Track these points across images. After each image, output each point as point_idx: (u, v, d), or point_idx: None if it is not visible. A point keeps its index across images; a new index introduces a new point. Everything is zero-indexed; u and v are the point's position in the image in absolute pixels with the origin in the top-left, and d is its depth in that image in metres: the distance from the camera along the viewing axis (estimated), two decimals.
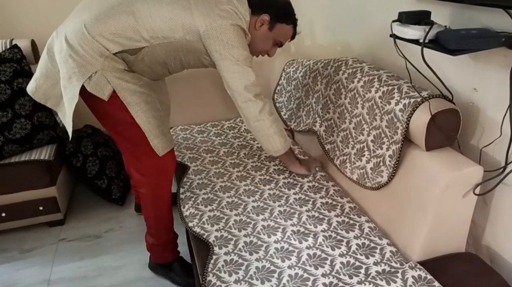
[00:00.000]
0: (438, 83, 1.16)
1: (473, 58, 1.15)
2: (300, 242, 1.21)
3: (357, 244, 1.19)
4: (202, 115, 2.15)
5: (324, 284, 1.06)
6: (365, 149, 1.36)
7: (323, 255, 1.16)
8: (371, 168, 1.32)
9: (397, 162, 1.22)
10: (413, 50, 1.24)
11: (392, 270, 1.09)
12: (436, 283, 1.02)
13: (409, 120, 1.17)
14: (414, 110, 1.16)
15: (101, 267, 1.77)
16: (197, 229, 1.30)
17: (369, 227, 1.26)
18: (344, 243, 1.20)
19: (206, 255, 1.20)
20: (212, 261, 1.16)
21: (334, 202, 1.40)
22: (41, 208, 1.93)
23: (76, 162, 2.09)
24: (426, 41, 1.05)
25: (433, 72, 1.10)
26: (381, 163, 1.28)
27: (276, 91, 2.08)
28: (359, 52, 1.75)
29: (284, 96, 2.02)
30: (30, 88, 1.42)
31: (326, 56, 2.01)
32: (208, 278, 1.10)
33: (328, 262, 1.13)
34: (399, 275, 1.06)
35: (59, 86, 1.36)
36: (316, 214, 1.33)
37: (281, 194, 1.46)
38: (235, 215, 1.35)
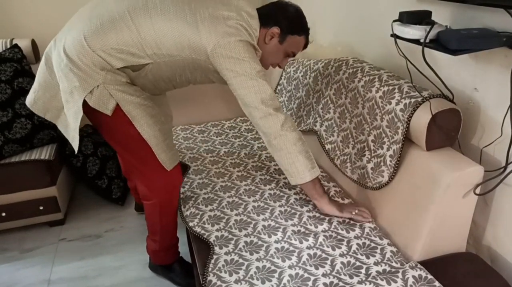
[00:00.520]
0: (438, 83, 1.16)
1: (473, 58, 1.15)
2: (301, 242, 1.21)
3: (357, 244, 1.19)
4: (202, 115, 2.15)
5: (324, 284, 1.06)
6: (366, 149, 1.36)
7: (324, 255, 1.15)
8: (371, 168, 1.32)
9: (397, 162, 1.22)
10: (414, 50, 1.24)
11: (393, 270, 1.09)
12: (437, 283, 1.01)
13: (409, 120, 1.17)
14: (414, 110, 1.16)
15: (101, 267, 1.77)
16: (198, 229, 1.30)
17: (370, 227, 1.26)
18: (344, 243, 1.20)
19: (207, 255, 1.20)
20: (212, 261, 1.15)
21: None
22: (41, 207, 1.93)
23: (76, 162, 2.09)
24: (427, 41, 1.05)
25: (433, 72, 1.10)
26: (382, 163, 1.28)
27: (277, 91, 2.08)
28: (360, 52, 1.75)
29: (284, 96, 2.02)
30: (29, 100, 1.39)
31: (327, 56, 2.01)
32: (209, 278, 1.10)
33: (328, 262, 1.13)
34: (400, 275, 1.06)
35: (58, 97, 1.32)
36: (317, 214, 1.33)
37: (281, 194, 1.46)
38: (236, 215, 1.35)
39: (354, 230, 1.25)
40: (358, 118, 1.42)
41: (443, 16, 1.20)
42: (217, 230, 1.29)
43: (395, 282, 1.04)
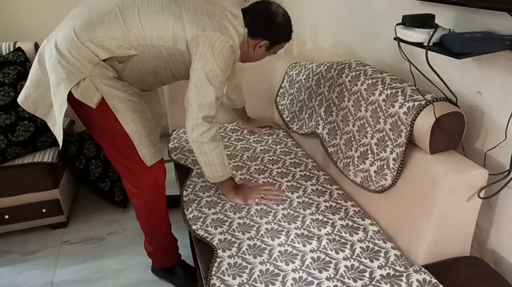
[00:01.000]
0: (442, 86, 1.16)
1: (477, 62, 1.15)
2: (304, 245, 1.20)
3: (361, 247, 1.19)
4: None
5: None
6: (369, 152, 1.36)
7: (327, 259, 1.15)
8: (374, 171, 1.32)
9: (401, 165, 1.22)
10: (417, 53, 1.25)
11: (397, 273, 1.08)
12: None
13: (413, 123, 1.17)
14: (418, 113, 1.16)
15: (103, 269, 1.77)
16: (201, 232, 1.30)
17: (373, 230, 1.26)
18: (348, 246, 1.19)
19: (210, 258, 1.20)
20: (216, 264, 1.15)
21: (338, 205, 1.39)
22: (44, 210, 1.94)
23: (79, 164, 2.09)
24: (431, 44, 1.06)
25: (437, 75, 1.10)
26: (385, 166, 1.27)
27: (279, 93, 2.08)
28: (362, 55, 1.75)
29: (286, 99, 2.02)
30: (20, 97, 1.40)
31: (329, 59, 2.01)
32: (212, 281, 1.09)
33: (332, 265, 1.13)
34: (404, 278, 1.06)
35: (49, 94, 1.33)
36: (320, 217, 1.33)
37: (284, 197, 1.45)
38: (239, 218, 1.35)
39: (357, 233, 1.25)
40: (361, 121, 1.42)
41: (446, 20, 1.20)
42: (220, 233, 1.28)
43: (399, 285, 1.04)
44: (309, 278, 1.09)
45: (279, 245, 1.21)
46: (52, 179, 1.90)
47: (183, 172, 1.71)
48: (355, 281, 1.07)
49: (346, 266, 1.12)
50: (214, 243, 1.24)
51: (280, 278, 1.09)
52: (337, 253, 1.17)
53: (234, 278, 1.10)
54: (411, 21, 1.10)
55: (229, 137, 1.98)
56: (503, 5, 0.96)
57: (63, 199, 1.99)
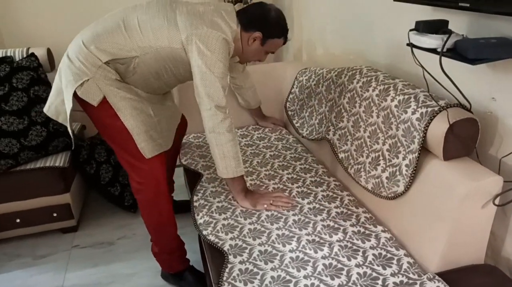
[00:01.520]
0: (455, 92, 1.15)
1: (491, 67, 1.14)
2: (316, 252, 1.20)
3: (373, 254, 1.18)
4: None
5: None
6: (381, 158, 1.35)
7: (339, 265, 1.14)
8: (386, 177, 1.31)
9: (414, 171, 1.21)
10: (430, 59, 1.24)
11: (410, 281, 1.07)
12: None
13: (426, 129, 1.16)
14: (431, 119, 1.15)
15: (114, 274, 1.78)
16: (212, 238, 1.29)
17: (386, 237, 1.25)
18: (360, 253, 1.18)
19: (221, 263, 1.20)
20: (227, 270, 1.15)
21: (349, 212, 1.38)
22: (55, 214, 1.95)
23: (90, 169, 2.11)
24: (444, 50, 1.05)
25: (451, 81, 1.09)
26: (397, 173, 1.26)
27: (289, 99, 2.08)
28: (373, 60, 1.75)
29: (296, 105, 2.02)
30: (45, 107, 1.51)
31: (339, 64, 2.01)
32: None
33: (344, 272, 1.12)
34: (417, 286, 1.04)
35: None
36: (331, 224, 1.32)
37: (295, 203, 1.45)
38: (249, 223, 1.35)
39: (369, 240, 1.24)
40: (373, 127, 1.41)
41: (459, 25, 1.19)
42: (231, 238, 1.28)
43: None
44: (321, 285, 1.08)
45: (291, 251, 1.21)
46: (64, 183, 1.92)
47: (194, 178, 1.71)
48: None
49: (358, 273, 1.11)
50: (225, 249, 1.24)
51: (291, 285, 1.09)
52: (349, 260, 1.16)
53: (245, 284, 1.10)
54: (424, 27, 1.10)
55: (239, 142, 1.98)
56: None
57: (74, 204, 2.00)
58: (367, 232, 1.28)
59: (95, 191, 2.28)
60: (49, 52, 2.23)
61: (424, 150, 1.21)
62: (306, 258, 1.18)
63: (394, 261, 1.15)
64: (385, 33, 1.63)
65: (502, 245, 1.19)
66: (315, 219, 1.35)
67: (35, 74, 1.96)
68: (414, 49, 1.14)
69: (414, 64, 1.18)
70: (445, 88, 1.15)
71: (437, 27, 1.09)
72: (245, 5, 1.65)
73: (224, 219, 1.38)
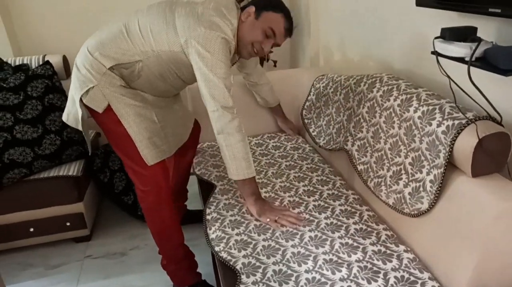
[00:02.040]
0: (485, 103, 1.07)
1: None
2: (333, 273, 1.13)
3: (395, 277, 1.10)
4: None
5: None
6: (403, 172, 1.28)
7: None
8: (409, 193, 1.23)
9: (439, 188, 1.13)
10: (456, 67, 1.16)
11: None
12: None
13: (453, 144, 1.08)
14: (458, 133, 1.07)
15: (126, 286, 1.74)
16: (224, 255, 1.24)
17: (408, 258, 1.17)
18: (381, 276, 1.11)
19: (233, 282, 1.14)
20: None
21: (368, 229, 1.31)
22: (68, 223, 1.93)
23: (104, 177, 2.09)
24: (473, 59, 0.98)
25: (480, 92, 1.01)
26: (421, 188, 1.19)
27: (305, 107, 2.02)
28: (394, 67, 1.67)
29: (313, 113, 1.95)
30: (64, 115, 1.52)
31: (358, 71, 1.94)
32: None
33: None
34: None
35: None
36: (350, 242, 1.25)
37: (311, 218, 1.38)
38: (263, 240, 1.29)
39: (391, 261, 1.16)
40: (394, 138, 1.34)
41: (488, 32, 1.11)
42: (244, 256, 1.23)
43: None
44: None
45: (306, 271, 1.14)
46: (77, 192, 1.90)
47: (207, 188, 1.66)
48: None
49: None
50: (238, 267, 1.18)
51: None
52: (369, 282, 1.09)
53: None
54: (451, 34, 1.03)
55: (253, 151, 1.93)
56: None
57: (87, 213, 1.98)
58: (388, 251, 1.20)
59: (108, 199, 2.26)
60: (64, 59, 2.23)
61: (450, 165, 1.14)
62: (323, 279, 1.11)
63: (418, 285, 1.07)
64: (407, 39, 1.56)
65: None
66: (333, 236, 1.29)
67: (50, 82, 1.95)
68: (440, 58, 1.06)
69: (439, 72, 1.11)
70: (473, 100, 1.07)
71: (465, 34, 1.02)
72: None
73: (237, 234, 1.33)
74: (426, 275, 1.10)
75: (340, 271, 1.13)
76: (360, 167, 1.50)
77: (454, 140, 1.08)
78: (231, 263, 1.21)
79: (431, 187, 1.15)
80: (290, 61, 2.92)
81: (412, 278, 1.09)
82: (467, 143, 1.04)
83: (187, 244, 1.64)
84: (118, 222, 2.17)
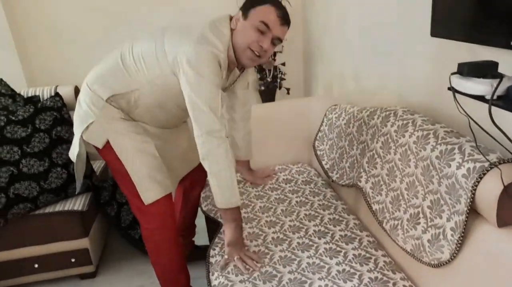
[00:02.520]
0: (509, 144, 0.97)
1: None
2: None
3: None
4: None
5: None
6: (421, 215, 1.17)
7: None
8: (428, 240, 1.12)
9: (461, 237, 1.02)
10: (475, 104, 1.06)
11: None
12: None
13: (475, 189, 0.97)
14: (480, 177, 0.97)
15: None
16: None
17: None
18: None
19: None
20: None
21: (384, 278, 1.20)
22: (73, 260, 1.88)
23: (111, 210, 2.04)
24: (494, 97, 0.88)
25: (503, 133, 0.92)
26: (441, 236, 1.08)
27: (317, 137, 1.94)
28: (410, 99, 1.58)
29: (326, 144, 1.87)
30: (71, 150, 1.50)
31: (372, 101, 1.85)
32: None
33: None
34: None
35: None
36: None
37: (322, 263, 1.28)
38: None
39: None
40: (410, 178, 1.24)
41: (510, 67, 1.01)
42: None
43: None
44: None
45: None
46: (83, 227, 1.86)
47: (213, 226, 1.58)
48: None
49: None
50: None
51: None
52: None
53: None
54: (469, 69, 0.93)
55: (263, 186, 1.85)
56: None
57: (93, 248, 1.93)
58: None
59: (115, 232, 2.21)
60: (76, 89, 2.23)
61: (473, 210, 1.03)
62: None
63: None
64: (423, 71, 1.47)
65: None
66: (344, 285, 1.18)
67: (59, 114, 1.94)
68: (457, 95, 0.97)
69: (457, 107, 1.02)
70: (496, 140, 0.97)
71: (485, 70, 0.93)
72: None
73: (240, 281, 1.24)
74: None
75: None
76: (375, 207, 1.39)
77: (476, 186, 0.97)
78: None
79: (452, 235, 1.04)
80: (304, 89, 2.86)
81: None
82: (491, 189, 0.94)
83: (193, 284, 1.56)
84: (125, 257, 2.10)
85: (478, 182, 0.97)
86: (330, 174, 1.75)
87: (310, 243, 1.39)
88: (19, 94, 2.07)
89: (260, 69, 2.65)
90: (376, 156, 1.43)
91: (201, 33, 1.28)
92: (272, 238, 1.44)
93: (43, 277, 1.89)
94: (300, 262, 1.29)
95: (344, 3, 2.07)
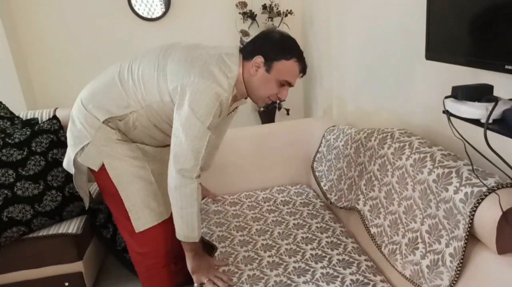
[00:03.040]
0: (507, 168, 0.95)
1: None
2: None
3: None
4: (236, 183, 2.02)
5: None
6: (419, 240, 1.14)
7: None
8: (427, 266, 1.09)
9: (460, 263, 0.99)
10: (471, 127, 1.05)
11: None
12: None
13: (473, 215, 0.95)
14: (479, 203, 0.94)
15: None
16: None
17: None
18: None
19: None
20: None
21: None
22: (66, 284, 1.84)
23: (106, 233, 2.01)
24: (490, 121, 0.87)
25: (500, 158, 0.90)
26: (440, 262, 1.05)
27: (316, 159, 1.92)
28: (408, 121, 1.56)
29: (324, 165, 1.85)
30: (64, 161, 1.47)
31: (371, 123, 1.85)
32: None
33: None
34: None
35: None
36: None
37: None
38: None
39: None
40: (408, 201, 1.21)
41: (505, 89, 1.00)
42: None
43: None
44: None
45: None
46: (76, 251, 1.82)
47: (208, 249, 1.55)
48: None
49: None
50: None
51: None
52: None
53: None
54: (463, 93, 0.93)
55: (260, 207, 1.82)
56: None
57: (87, 272, 1.89)
58: None
59: (111, 255, 2.17)
60: None
61: (472, 236, 1.00)
62: None
63: None
64: (420, 93, 1.46)
65: None
66: None
67: (55, 137, 1.93)
68: (452, 118, 0.96)
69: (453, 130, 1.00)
70: (493, 164, 0.95)
71: (480, 93, 0.92)
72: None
73: None
74: None
75: None
76: (373, 230, 1.36)
77: (474, 211, 0.95)
78: None
79: (451, 261, 1.01)
80: (304, 110, 2.86)
81: None
82: (489, 215, 0.91)
83: None
84: (121, 280, 2.06)
85: (476, 207, 0.94)
86: (328, 196, 1.73)
87: (307, 267, 1.36)
88: (18, 117, 2.07)
89: None
90: (373, 178, 1.41)
91: (207, 66, 1.23)
92: (268, 262, 1.40)
93: None
94: None
95: (343, 26, 2.08)
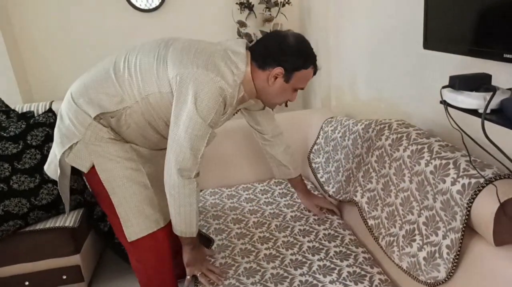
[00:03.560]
0: (505, 159, 0.93)
1: None
2: None
3: None
4: (233, 176, 2.01)
5: None
6: (416, 232, 1.13)
7: None
8: (424, 258, 1.08)
9: (457, 255, 0.98)
10: (469, 117, 1.03)
11: None
12: None
13: (470, 206, 0.94)
14: (476, 194, 0.93)
15: None
16: None
17: None
18: None
19: None
20: None
21: None
22: (64, 277, 1.84)
23: (104, 226, 2.00)
24: (488, 111, 0.85)
25: (498, 148, 0.88)
26: (437, 254, 1.04)
27: (313, 150, 1.91)
28: (406, 111, 1.55)
29: (322, 157, 1.84)
30: (46, 164, 1.38)
31: (368, 113, 1.83)
32: None
33: None
34: None
35: None
36: None
37: (314, 282, 1.24)
38: None
39: None
40: (405, 193, 1.20)
41: (504, 78, 0.99)
42: None
43: None
44: None
45: None
46: (74, 244, 1.81)
47: (205, 242, 1.55)
48: None
49: None
50: None
51: None
52: None
53: None
54: (461, 83, 0.91)
55: (258, 199, 1.81)
56: None
57: (85, 265, 1.88)
58: None
59: (109, 249, 2.16)
60: None
61: (469, 228, 0.99)
62: None
63: None
64: (417, 83, 1.44)
65: None
66: None
67: (51, 130, 1.91)
68: (450, 108, 0.94)
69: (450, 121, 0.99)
70: (491, 155, 0.93)
71: (478, 83, 0.90)
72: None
73: None
74: None
75: None
76: (370, 222, 1.35)
77: (471, 202, 0.94)
78: None
79: (448, 253, 1.00)
80: (302, 101, 2.83)
81: None
82: (486, 207, 0.90)
83: None
84: (119, 273, 2.05)
85: (474, 198, 0.93)
86: (326, 188, 1.72)
87: (304, 260, 1.35)
88: (14, 110, 2.05)
89: None
90: (371, 170, 1.40)
91: (212, 59, 1.16)
92: (265, 254, 1.40)
93: None
94: (293, 280, 1.25)
95: (341, 16, 2.05)
